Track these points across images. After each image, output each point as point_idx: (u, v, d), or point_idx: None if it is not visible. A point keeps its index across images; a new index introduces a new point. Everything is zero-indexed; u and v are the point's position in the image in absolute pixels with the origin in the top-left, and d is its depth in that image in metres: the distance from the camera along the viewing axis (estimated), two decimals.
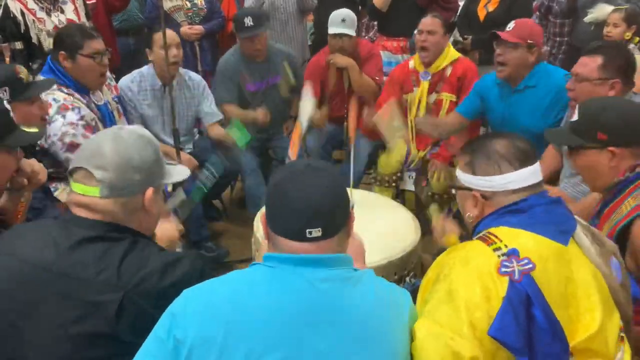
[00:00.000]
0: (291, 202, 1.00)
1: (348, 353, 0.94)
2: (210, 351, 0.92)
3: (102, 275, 1.04)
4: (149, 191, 1.14)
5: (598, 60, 1.93)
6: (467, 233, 1.34)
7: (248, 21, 2.89)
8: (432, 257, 2.31)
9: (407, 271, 2.00)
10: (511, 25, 2.39)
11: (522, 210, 1.16)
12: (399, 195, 3.01)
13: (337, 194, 1.03)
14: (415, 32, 2.92)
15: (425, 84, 2.88)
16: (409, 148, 2.97)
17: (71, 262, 1.05)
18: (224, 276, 1.04)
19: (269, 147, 3.37)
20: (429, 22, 2.81)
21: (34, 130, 1.53)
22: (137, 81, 2.81)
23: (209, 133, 3.00)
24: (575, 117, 1.53)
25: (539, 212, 1.16)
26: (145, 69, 2.84)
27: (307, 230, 0.98)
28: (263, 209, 1.11)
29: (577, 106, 1.56)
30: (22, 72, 1.82)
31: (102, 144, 1.12)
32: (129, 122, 2.73)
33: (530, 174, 1.19)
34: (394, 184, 2.98)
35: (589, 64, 1.95)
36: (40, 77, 2.18)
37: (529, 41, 2.33)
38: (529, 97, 2.42)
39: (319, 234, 0.99)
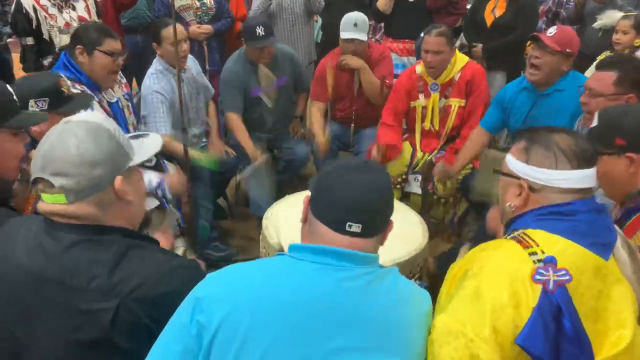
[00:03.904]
0: (341, 192, 1.02)
1: (368, 350, 0.95)
2: (233, 338, 0.92)
3: (95, 282, 1.00)
4: (118, 180, 1.06)
5: (613, 75, 1.90)
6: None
7: (260, 31, 2.87)
8: (435, 260, 2.33)
9: (413, 274, 2.00)
10: (553, 30, 2.36)
11: (566, 214, 1.11)
12: (405, 198, 3.03)
13: (385, 198, 1.06)
14: (421, 44, 2.91)
15: (435, 95, 2.89)
16: (414, 150, 3.00)
17: (62, 268, 1.01)
18: (248, 263, 1.05)
19: (274, 147, 3.39)
20: (434, 42, 2.75)
21: (38, 112, 1.50)
22: (160, 79, 2.78)
23: None
24: (594, 123, 1.50)
25: (582, 219, 1.10)
26: (157, 65, 2.82)
27: (348, 224, 1.00)
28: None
29: (596, 113, 1.53)
30: (65, 85, 1.83)
31: (52, 148, 1.03)
32: (139, 119, 2.74)
33: (586, 177, 1.13)
34: (398, 186, 2.99)
35: (604, 79, 1.92)
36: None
37: (567, 50, 2.32)
38: (556, 100, 2.42)
39: (358, 230, 1.00)
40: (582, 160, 1.12)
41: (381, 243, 1.08)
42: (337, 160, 1.12)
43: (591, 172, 1.14)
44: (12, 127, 1.39)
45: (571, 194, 1.13)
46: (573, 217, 1.11)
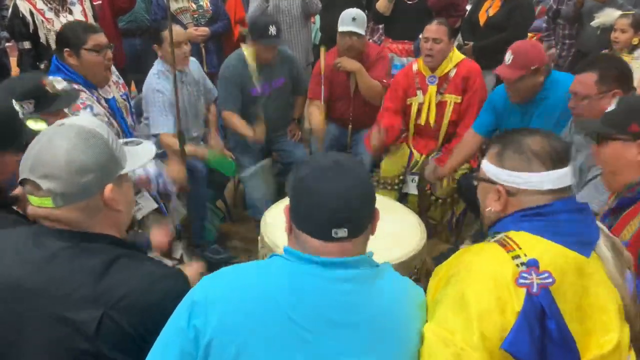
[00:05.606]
0: (319, 200, 0.97)
1: (365, 351, 0.95)
2: (230, 343, 0.92)
3: (80, 291, 0.98)
4: (108, 188, 1.04)
5: (593, 76, 1.92)
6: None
7: (272, 30, 2.88)
8: (432, 260, 2.33)
9: (410, 275, 2.00)
10: (509, 57, 2.32)
11: (546, 215, 1.10)
12: (402, 199, 3.02)
13: (364, 193, 1.01)
14: (421, 37, 2.92)
15: (433, 88, 2.88)
16: (412, 152, 2.99)
17: (48, 277, 0.99)
18: (242, 265, 1.04)
19: (272, 150, 3.38)
20: (434, 29, 2.78)
21: (41, 126, 1.46)
22: (161, 79, 2.76)
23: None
24: (611, 107, 1.50)
25: (563, 219, 1.10)
26: (159, 66, 2.82)
27: (334, 231, 0.97)
28: (285, 201, 1.08)
29: (616, 98, 1.53)
30: (48, 83, 1.79)
31: (42, 150, 1.01)
32: (137, 122, 2.73)
33: (561, 177, 1.12)
34: (396, 187, 2.98)
35: (586, 82, 1.94)
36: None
37: (532, 68, 2.30)
38: (542, 106, 2.41)
39: (345, 234, 0.97)
40: (556, 161, 1.12)
41: (372, 233, 1.06)
42: (305, 163, 1.05)
43: (566, 171, 1.13)
44: (18, 149, 1.35)
45: (549, 195, 1.12)
46: (553, 216, 1.10)
